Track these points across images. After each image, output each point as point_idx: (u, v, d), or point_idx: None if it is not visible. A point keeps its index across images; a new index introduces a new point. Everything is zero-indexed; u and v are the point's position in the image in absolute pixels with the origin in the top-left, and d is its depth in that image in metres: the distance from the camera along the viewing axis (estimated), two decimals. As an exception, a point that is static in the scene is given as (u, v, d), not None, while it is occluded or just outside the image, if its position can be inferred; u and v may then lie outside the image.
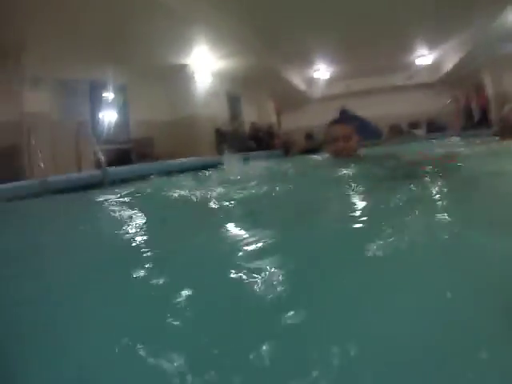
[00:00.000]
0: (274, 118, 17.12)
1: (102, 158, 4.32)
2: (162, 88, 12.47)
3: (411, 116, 17.62)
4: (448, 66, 16.99)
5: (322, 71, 16.47)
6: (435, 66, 17.56)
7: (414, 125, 17.11)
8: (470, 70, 15.95)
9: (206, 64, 11.89)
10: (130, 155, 10.25)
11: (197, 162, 5.43)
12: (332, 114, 13.55)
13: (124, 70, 10.87)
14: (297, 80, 16.37)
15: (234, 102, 14.48)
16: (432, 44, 14.77)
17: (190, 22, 8.88)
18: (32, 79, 8.42)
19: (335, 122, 3.42)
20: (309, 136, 12.49)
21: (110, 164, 4.72)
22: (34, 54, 8.56)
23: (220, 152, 11.07)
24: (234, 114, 14.11)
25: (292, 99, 17.77)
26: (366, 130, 10.90)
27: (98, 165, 4.43)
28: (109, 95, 11.14)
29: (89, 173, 4.42)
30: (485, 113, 15.03)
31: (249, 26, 10.10)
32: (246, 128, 14.21)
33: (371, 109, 15.99)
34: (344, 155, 3.12)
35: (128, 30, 8.78)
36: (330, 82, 17.60)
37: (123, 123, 11.43)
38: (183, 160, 6.00)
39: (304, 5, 9.28)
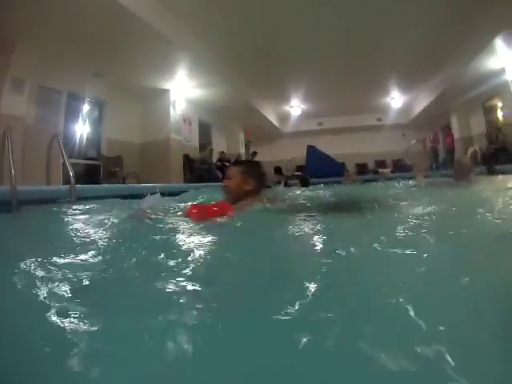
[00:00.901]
0: (242, 149, 17.37)
1: (72, 172, 4.46)
2: (137, 109, 12.75)
3: (379, 155, 18.54)
4: (418, 108, 18.15)
5: (294, 108, 17.02)
6: (405, 108, 18.66)
7: (381, 164, 17.96)
8: (439, 113, 17.12)
9: (182, 90, 12.28)
10: (98, 172, 10.35)
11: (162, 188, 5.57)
12: (300, 149, 14.30)
13: (103, 85, 11.16)
14: (269, 114, 16.85)
15: (205, 130, 14.76)
16: (404, 88, 15.76)
17: (173, 47, 9.29)
18: (13, 80, 8.43)
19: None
20: (277, 169, 12.71)
21: (78, 179, 4.84)
22: (19, 55, 8.63)
23: (186, 179, 11.36)
24: (204, 143, 14.32)
25: (263, 132, 18.18)
26: (331, 168, 11.49)
27: (67, 179, 4.51)
28: (85, 109, 11.31)
29: (57, 187, 4.52)
30: (451, 153, 15.89)
31: (228, 59, 10.70)
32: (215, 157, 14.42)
33: (340, 147, 16.79)
34: None
35: (112, 45, 9.12)
36: (302, 118, 18.17)
37: (95, 139, 11.60)
38: (148, 185, 6.11)
39: (282, 44, 9.82)
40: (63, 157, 4.89)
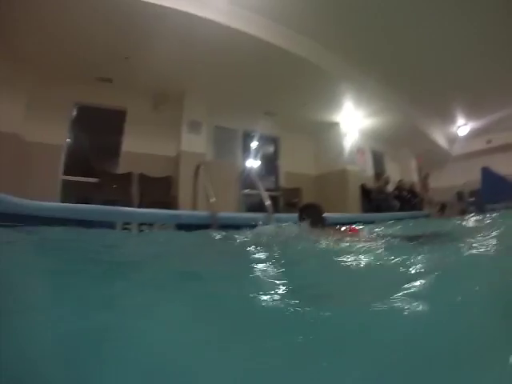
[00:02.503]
0: (415, 176, 16.57)
1: (269, 201, 4.55)
2: (311, 142, 13.10)
3: None
4: None
5: (462, 127, 15.73)
6: None
7: None
8: None
9: (352, 122, 12.19)
10: (277, 202, 10.70)
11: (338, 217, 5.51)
12: (470, 172, 13.07)
13: (275, 122, 11.72)
14: (438, 137, 15.87)
15: (378, 159, 14.42)
16: None
17: (335, 80, 9.38)
18: (190, 122, 9.47)
19: None
20: (460, 195, 11.83)
21: (257, 209, 4.97)
22: (190, 100, 9.73)
23: (364, 209, 11.17)
24: (378, 172, 13.96)
25: (432, 156, 17.10)
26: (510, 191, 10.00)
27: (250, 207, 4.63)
28: (260, 144, 11.98)
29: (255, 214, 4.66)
30: None
31: (389, 83, 10.25)
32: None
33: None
34: None
35: (280, 85, 9.60)
36: (469, 137, 16.67)
37: (272, 172, 12.19)
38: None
39: (443, 62, 9.24)
40: (258, 188, 4.97)
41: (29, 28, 6.93)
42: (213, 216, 4.10)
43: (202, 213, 4.29)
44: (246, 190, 9.97)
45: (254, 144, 11.71)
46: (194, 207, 5.55)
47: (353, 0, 7.18)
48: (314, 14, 7.54)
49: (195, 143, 9.30)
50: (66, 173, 8.50)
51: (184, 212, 4.49)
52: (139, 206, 7.64)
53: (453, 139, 16.46)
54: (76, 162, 8.80)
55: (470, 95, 11.19)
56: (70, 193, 8.24)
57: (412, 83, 10.31)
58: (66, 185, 8.37)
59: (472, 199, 13.00)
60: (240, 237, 3.20)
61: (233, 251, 2.82)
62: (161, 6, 6.44)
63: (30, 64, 8.00)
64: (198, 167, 5.36)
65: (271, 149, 12.45)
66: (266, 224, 4.03)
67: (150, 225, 3.85)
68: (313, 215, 3.55)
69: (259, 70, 8.74)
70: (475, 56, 9.08)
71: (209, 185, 4.57)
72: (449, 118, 14.15)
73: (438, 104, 12.16)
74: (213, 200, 4.27)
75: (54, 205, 3.65)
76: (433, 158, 16.62)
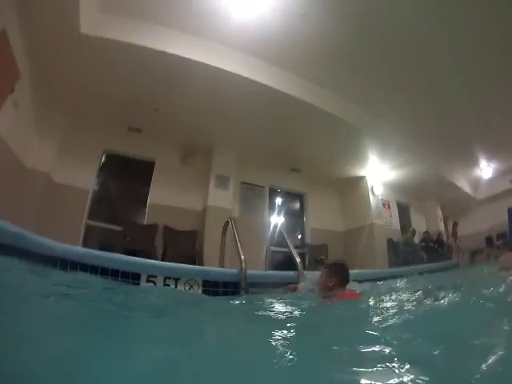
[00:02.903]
0: (441, 226, 16.13)
1: (298, 259, 4.46)
2: (337, 197, 12.90)
3: None
4: None
5: (485, 169, 15.32)
6: None
7: None
8: None
9: (377, 175, 12.07)
10: (303, 259, 10.38)
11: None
12: (495, 215, 12.68)
13: (301, 179, 11.67)
14: (462, 183, 15.51)
15: (403, 211, 14.16)
16: None
17: (363, 135, 9.38)
18: (217, 178, 9.47)
19: None
20: (489, 240, 11.51)
21: (281, 266, 4.85)
22: (219, 156, 9.82)
23: (391, 263, 10.84)
24: (404, 224, 13.70)
25: (459, 204, 16.70)
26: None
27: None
28: (286, 200, 11.89)
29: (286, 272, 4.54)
30: None
31: (417, 135, 10.14)
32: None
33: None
34: None
35: (305, 142, 9.66)
36: (493, 179, 16.24)
37: (299, 228, 11.94)
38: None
39: (463, 106, 9.07)
40: (288, 245, 4.98)
41: (66, 78, 7.23)
42: (242, 274, 3.91)
43: (230, 270, 4.10)
44: (273, 248, 9.75)
45: (280, 200, 11.63)
46: (222, 263, 5.34)
47: (375, 54, 7.25)
48: (338, 68, 7.63)
49: (222, 198, 9.26)
50: (90, 217, 8.50)
51: (212, 268, 4.28)
52: (162, 259, 7.57)
53: (476, 183, 16.02)
54: (101, 208, 8.83)
55: (492, 135, 10.90)
56: (93, 238, 8.22)
57: (435, 131, 10.11)
58: (89, 229, 8.36)
59: (500, 242, 12.53)
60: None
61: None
62: (186, 59, 6.64)
63: (65, 109, 8.22)
64: (227, 223, 5.17)
65: (297, 205, 12.31)
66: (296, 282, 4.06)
67: (176, 280, 3.66)
68: (341, 273, 3.43)
69: (285, 125, 8.81)
70: (494, 95, 8.83)
71: (239, 241, 4.38)
72: (472, 162, 13.69)
73: (461, 148, 11.82)
74: (243, 257, 4.07)
75: (81, 250, 3.61)
76: (457, 205, 16.22)
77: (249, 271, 3.98)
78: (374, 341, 1.59)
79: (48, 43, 6.14)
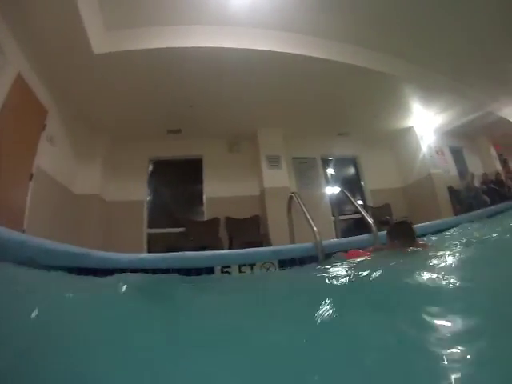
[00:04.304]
0: (498, 164, 15.26)
1: (371, 220, 4.22)
2: (390, 154, 12.41)
3: None
4: None
5: None
6: None
7: None
8: None
9: (425, 122, 11.52)
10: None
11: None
12: None
13: (351, 142, 11.28)
14: (510, 115, 14.54)
15: (457, 155, 13.51)
16: None
17: (402, 83, 8.88)
18: (267, 157, 9.31)
19: None
20: None
21: (349, 232, 4.64)
22: (267, 135, 9.66)
23: (456, 212, 10.36)
24: (461, 169, 13.05)
25: (511, 137, 15.76)
26: None
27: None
28: (340, 167, 11.62)
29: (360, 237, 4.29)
30: None
31: (456, 74, 9.52)
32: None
33: None
34: None
35: (348, 103, 9.25)
36: None
37: (359, 193, 11.61)
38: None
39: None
40: (357, 208, 4.71)
41: (92, 101, 7.37)
42: (317, 245, 3.69)
43: (304, 244, 3.87)
44: (339, 216, 9.46)
45: (332, 169, 11.36)
46: (292, 240, 5.13)
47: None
48: (368, 22, 7.26)
49: (277, 178, 9.07)
50: (150, 226, 8.61)
51: (286, 246, 4.06)
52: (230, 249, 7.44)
53: None
54: (159, 215, 8.90)
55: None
56: (157, 244, 8.29)
57: (474, 66, 9.43)
58: (153, 237, 8.48)
59: None
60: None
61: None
62: (211, 48, 6.48)
63: (101, 130, 8.40)
64: (290, 199, 4.96)
65: (352, 170, 12.00)
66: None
67: (251, 265, 3.49)
68: (401, 233, 3.35)
69: (324, 91, 8.46)
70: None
71: (308, 214, 4.16)
72: None
73: (503, 80, 11.13)
74: (316, 229, 3.84)
75: (148, 256, 3.49)
76: (510, 140, 15.37)
77: (324, 242, 3.77)
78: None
79: (66, 74, 6.25)
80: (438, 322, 1.25)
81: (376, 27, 7.45)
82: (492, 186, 11.86)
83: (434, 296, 1.60)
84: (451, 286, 1.68)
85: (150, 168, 9.31)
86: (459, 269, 2.13)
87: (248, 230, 8.43)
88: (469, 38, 8.17)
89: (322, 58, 7.32)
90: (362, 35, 7.59)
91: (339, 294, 2.03)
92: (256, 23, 6.75)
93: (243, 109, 8.56)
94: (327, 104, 9.07)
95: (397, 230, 3.44)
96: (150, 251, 8.00)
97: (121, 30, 6.20)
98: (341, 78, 8.05)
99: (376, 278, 2.05)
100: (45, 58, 5.68)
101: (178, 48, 6.35)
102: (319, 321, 1.43)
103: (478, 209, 8.41)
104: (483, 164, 14.45)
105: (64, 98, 6.78)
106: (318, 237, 3.73)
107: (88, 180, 7.83)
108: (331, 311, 1.48)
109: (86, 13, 5.22)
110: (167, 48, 6.29)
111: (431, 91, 9.54)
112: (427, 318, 1.29)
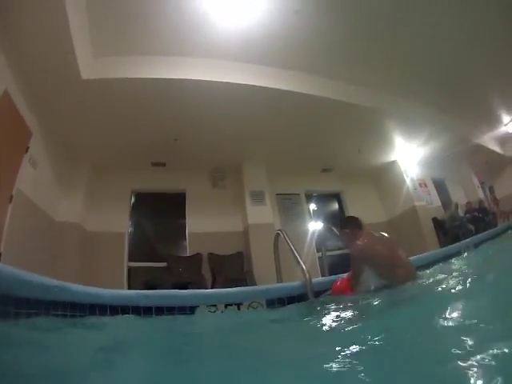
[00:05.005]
0: (481, 192, 15.47)
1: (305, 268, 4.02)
2: (373, 188, 12.49)
3: None
4: None
5: (509, 124, 14.55)
6: None
7: None
8: None
9: (408, 155, 11.66)
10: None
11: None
12: None
13: (334, 177, 11.38)
14: (490, 143, 14.80)
15: (440, 186, 13.66)
16: None
17: (384, 117, 9.03)
18: (253, 194, 9.24)
19: None
20: None
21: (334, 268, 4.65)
22: (252, 171, 9.66)
23: (442, 243, 10.34)
24: (445, 200, 13.16)
25: (491, 166, 16.02)
26: None
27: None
28: (324, 202, 11.68)
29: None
30: None
31: (437, 107, 9.71)
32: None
33: None
34: None
35: (331, 138, 9.38)
36: None
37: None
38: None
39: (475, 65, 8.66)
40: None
41: (77, 128, 7.29)
42: (307, 284, 3.58)
43: (293, 283, 3.76)
44: (322, 253, 9.32)
45: (315, 204, 11.40)
46: (280, 278, 5.00)
47: (379, 35, 7.00)
48: (348, 58, 7.44)
49: (261, 214, 8.99)
50: (131, 259, 8.40)
51: (274, 285, 3.94)
52: (213, 287, 7.38)
53: (504, 140, 15.36)
54: (141, 248, 8.72)
55: (509, 86, 10.41)
56: (137, 279, 8.09)
57: (452, 97, 9.65)
58: (133, 271, 8.28)
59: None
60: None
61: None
62: (195, 81, 6.52)
63: (84, 158, 8.35)
64: (277, 236, 4.86)
65: (336, 205, 12.01)
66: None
67: (238, 304, 3.36)
68: (354, 223, 3.97)
69: (308, 127, 8.57)
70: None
71: (296, 251, 4.07)
72: (495, 119, 13.21)
73: (481, 109, 11.31)
74: (304, 267, 3.72)
75: (131, 292, 3.30)
76: (491, 168, 15.61)
77: (313, 280, 3.69)
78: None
79: (53, 96, 6.16)
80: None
81: (360, 63, 7.64)
82: (476, 214, 11.98)
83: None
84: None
85: (133, 200, 9.18)
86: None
87: (232, 266, 8.26)
88: (453, 69, 8.48)
89: (305, 94, 7.41)
90: (346, 71, 7.76)
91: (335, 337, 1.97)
92: (244, 58, 6.87)
93: (228, 142, 8.58)
94: (311, 139, 9.14)
95: (347, 221, 4.20)
96: (129, 285, 7.85)
97: (110, 57, 6.21)
98: (324, 113, 8.16)
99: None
100: (32, 77, 5.60)
101: (164, 79, 6.36)
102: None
103: (465, 238, 8.45)
104: (466, 193, 14.70)
105: (49, 122, 6.68)
106: (307, 275, 3.63)
107: (69, 208, 7.68)
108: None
109: (77, 37, 5.20)
110: (153, 78, 6.30)
111: (413, 124, 9.74)
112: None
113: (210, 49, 6.53)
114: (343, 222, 4.17)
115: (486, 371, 1.03)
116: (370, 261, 3.41)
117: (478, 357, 1.10)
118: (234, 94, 6.94)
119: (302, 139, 9.04)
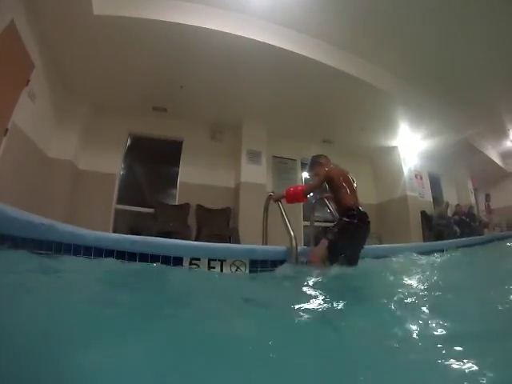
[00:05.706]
0: (472, 198, 15.54)
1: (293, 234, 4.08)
2: (369, 169, 12.51)
3: None
4: None
5: None
6: None
7: None
8: None
9: (410, 145, 11.59)
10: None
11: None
12: None
13: (333, 150, 11.09)
14: (493, 154, 14.82)
15: (434, 182, 13.64)
16: None
17: (395, 103, 8.89)
18: (250, 153, 9.15)
19: None
20: None
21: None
22: (252, 130, 9.48)
23: (425, 237, 10.45)
24: (436, 196, 13.18)
25: (489, 175, 16.07)
26: None
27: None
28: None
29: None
30: None
31: (449, 104, 9.56)
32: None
33: None
34: None
35: (338, 112, 9.29)
36: None
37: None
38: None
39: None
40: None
41: (83, 64, 7.05)
42: (293, 251, 3.61)
43: (279, 248, 3.80)
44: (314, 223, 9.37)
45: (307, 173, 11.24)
46: (265, 241, 5.01)
47: (409, 22, 6.84)
48: (370, 35, 7.21)
49: (255, 174, 8.94)
50: (119, 202, 8.39)
51: (260, 247, 3.95)
52: (197, 239, 7.35)
53: (507, 155, 15.41)
54: (130, 192, 8.70)
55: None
56: (123, 222, 8.13)
57: (467, 100, 9.49)
58: (120, 213, 8.29)
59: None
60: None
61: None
62: (207, 29, 6.29)
63: (85, 96, 8.12)
64: (269, 198, 4.80)
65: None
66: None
67: (222, 261, 3.39)
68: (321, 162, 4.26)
69: (316, 95, 8.40)
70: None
71: (287, 217, 4.06)
72: (502, 133, 13.19)
73: (492, 119, 11.29)
74: (293, 234, 3.74)
75: (117, 236, 3.29)
76: (488, 177, 15.70)
77: (299, 247, 3.74)
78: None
79: (60, 30, 5.95)
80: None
81: (380, 43, 7.43)
82: (464, 217, 11.99)
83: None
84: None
85: (129, 142, 9.06)
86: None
87: (218, 221, 8.26)
88: (466, 64, 8.21)
89: (319, 62, 7.22)
90: (365, 46, 7.56)
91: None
92: (261, 15, 6.61)
93: (232, 97, 8.39)
94: (316, 108, 9.00)
95: (314, 161, 4.40)
96: (115, 227, 7.87)
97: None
98: (336, 86, 8.00)
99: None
100: (42, 9, 5.41)
101: (177, 24, 6.13)
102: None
103: (448, 238, 8.53)
104: (458, 195, 14.72)
105: (53, 56, 6.51)
106: (294, 242, 3.66)
107: (63, 145, 7.56)
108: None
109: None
110: (166, 22, 6.08)
111: (422, 115, 9.60)
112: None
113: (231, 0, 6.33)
114: (311, 164, 4.41)
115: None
116: (334, 180, 3.88)
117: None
118: (246, 51, 6.74)
119: (308, 107, 8.89)
